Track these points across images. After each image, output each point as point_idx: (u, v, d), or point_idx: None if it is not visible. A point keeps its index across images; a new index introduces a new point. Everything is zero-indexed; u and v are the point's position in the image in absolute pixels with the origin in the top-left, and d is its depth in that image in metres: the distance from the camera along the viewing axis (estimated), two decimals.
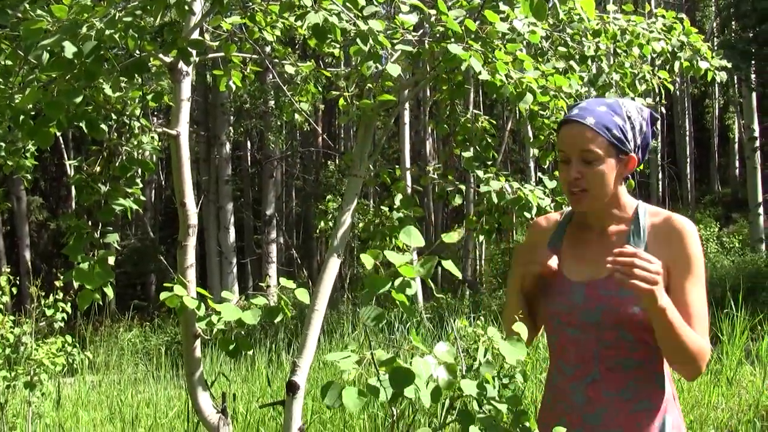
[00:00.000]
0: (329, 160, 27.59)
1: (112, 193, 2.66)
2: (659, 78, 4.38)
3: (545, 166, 4.53)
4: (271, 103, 21.06)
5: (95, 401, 8.36)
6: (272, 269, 21.28)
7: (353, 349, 2.27)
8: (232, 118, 22.95)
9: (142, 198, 2.81)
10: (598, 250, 2.55)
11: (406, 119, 19.83)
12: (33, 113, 2.28)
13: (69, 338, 7.80)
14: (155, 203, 33.13)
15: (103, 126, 2.92)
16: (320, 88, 3.88)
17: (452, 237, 2.22)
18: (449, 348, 2.22)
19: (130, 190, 2.72)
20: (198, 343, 3.11)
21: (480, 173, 3.86)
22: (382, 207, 4.09)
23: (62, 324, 7.92)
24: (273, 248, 21.91)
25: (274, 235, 22.11)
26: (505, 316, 2.71)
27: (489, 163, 4.03)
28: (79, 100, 2.12)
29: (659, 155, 30.46)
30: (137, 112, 3.26)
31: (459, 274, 2.19)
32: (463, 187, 3.99)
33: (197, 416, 3.20)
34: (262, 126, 22.42)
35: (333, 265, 3.26)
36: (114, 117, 2.96)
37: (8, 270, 8.27)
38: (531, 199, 3.88)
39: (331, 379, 2.20)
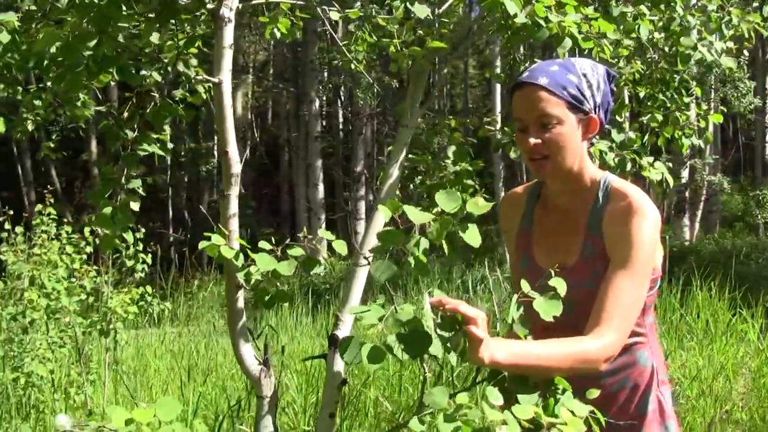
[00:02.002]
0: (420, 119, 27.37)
1: (139, 138, 2.62)
2: (750, 22, 4.07)
3: (620, 120, 4.32)
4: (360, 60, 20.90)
5: (175, 350, 8.51)
6: (360, 226, 21.36)
7: (381, 303, 2.18)
8: (325, 74, 22.98)
9: (170, 145, 2.77)
10: (563, 233, 2.40)
11: None
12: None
13: (149, 288, 7.96)
14: (249, 160, 33.51)
15: (145, 72, 2.89)
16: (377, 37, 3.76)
17: (478, 206, 2.09)
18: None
19: (157, 137, 2.68)
20: (241, 293, 3.07)
21: None
22: (441, 160, 3.99)
23: (142, 275, 8.07)
24: (362, 205, 21.97)
25: (362, 192, 22.16)
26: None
27: None
28: (93, 43, 2.08)
29: (766, 115, 29.28)
30: (193, 61, 3.22)
31: (477, 244, 2.07)
32: None
33: (240, 368, 3.17)
34: (351, 83, 22.37)
35: (379, 219, 3.19)
36: (155, 64, 2.92)
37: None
38: (593, 152, 3.73)
39: (352, 335, 2.13)
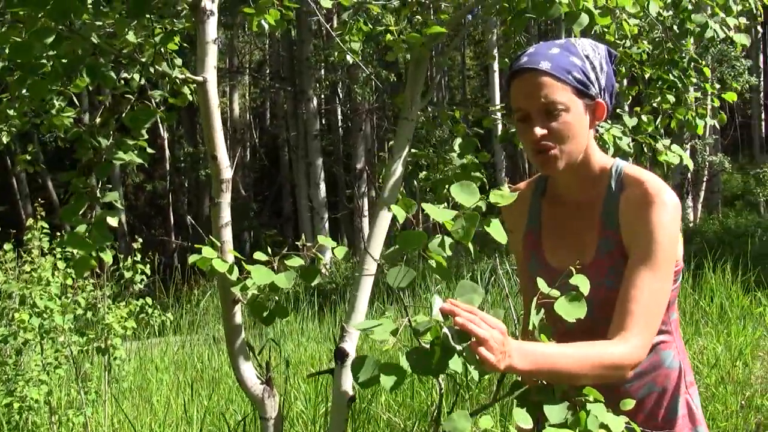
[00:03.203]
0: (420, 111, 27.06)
1: (116, 146, 2.38)
2: None
3: (627, 102, 4.12)
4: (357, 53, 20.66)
5: (179, 362, 8.29)
6: (364, 223, 21.12)
7: (389, 315, 1.94)
8: (321, 72, 22.75)
9: (150, 152, 2.52)
10: (575, 229, 2.18)
11: (496, 66, 19.31)
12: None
13: (149, 300, 7.75)
14: (249, 162, 33.30)
15: (125, 74, 2.67)
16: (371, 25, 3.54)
17: (503, 197, 1.85)
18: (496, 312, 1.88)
19: (133, 143, 2.43)
20: (238, 308, 2.85)
21: None
22: (445, 154, 3.76)
23: (142, 286, 7.86)
24: (365, 202, 21.73)
25: (365, 188, 21.93)
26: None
27: None
28: (50, 40, 1.83)
29: (762, 93, 29.07)
30: (178, 61, 2.99)
31: (504, 239, 1.82)
32: None
33: (240, 387, 2.94)
34: (348, 79, 22.15)
35: (383, 221, 2.97)
36: (135, 65, 2.69)
37: None
38: (606, 138, 3.50)
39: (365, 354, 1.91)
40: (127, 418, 5.57)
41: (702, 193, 21.96)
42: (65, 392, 6.48)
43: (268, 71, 31.83)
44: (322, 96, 25.16)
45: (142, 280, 7.68)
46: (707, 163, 20.99)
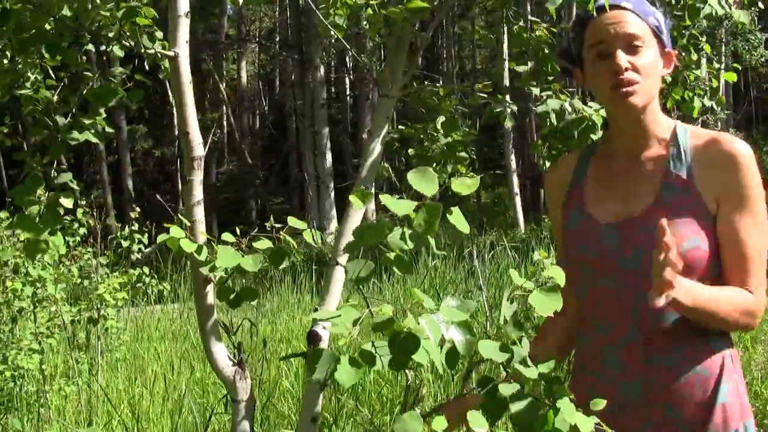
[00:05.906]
0: (427, 81, 26.97)
1: (73, 124, 2.32)
2: None
3: None
4: (365, 23, 20.54)
5: (176, 331, 8.27)
6: None
7: (354, 304, 1.88)
8: (329, 40, 22.63)
9: (105, 130, 2.46)
10: (631, 182, 2.04)
11: (505, 38, 19.12)
12: None
13: (146, 269, 7.75)
14: (259, 130, 33.23)
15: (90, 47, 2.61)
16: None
17: (465, 186, 1.77)
18: (460, 303, 1.81)
19: (89, 122, 2.36)
20: (210, 288, 2.80)
21: (536, 91, 3.41)
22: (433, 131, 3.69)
23: (139, 255, 7.87)
24: None
25: None
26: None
27: (550, 78, 3.58)
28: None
29: None
30: (159, 34, 2.93)
31: (466, 229, 1.73)
32: (515, 108, 3.54)
33: (212, 368, 2.90)
34: (354, 48, 22.04)
35: (356, 207, 2.90)
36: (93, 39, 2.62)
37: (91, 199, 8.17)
38: (596, 119, 3.42)
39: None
40: (104, 392, 5.56)
41: None
42: (62, 360, 6.49)
43: (277, 39, 31.70)
44: (331, 64, 25.08)
45: (140, 249, 7.69)
46: None
